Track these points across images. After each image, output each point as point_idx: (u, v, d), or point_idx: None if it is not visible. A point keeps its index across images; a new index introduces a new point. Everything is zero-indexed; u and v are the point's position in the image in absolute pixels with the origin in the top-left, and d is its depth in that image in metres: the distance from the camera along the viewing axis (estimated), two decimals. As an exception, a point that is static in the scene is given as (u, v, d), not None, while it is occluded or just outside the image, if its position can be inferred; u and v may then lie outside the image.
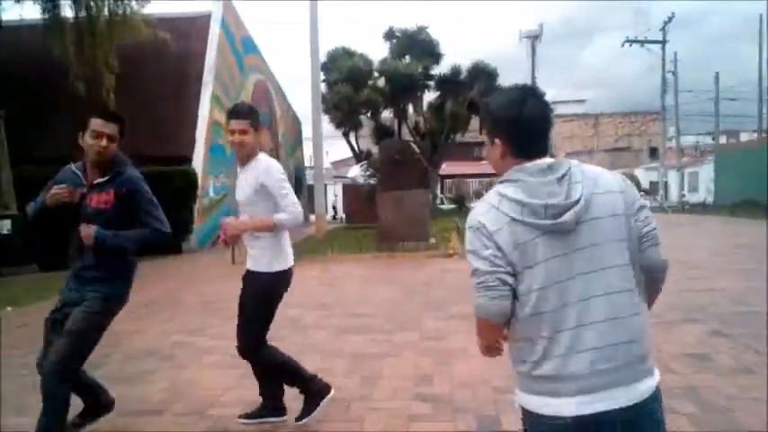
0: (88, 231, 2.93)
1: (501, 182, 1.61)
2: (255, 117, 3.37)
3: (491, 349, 1.70)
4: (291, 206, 3.26)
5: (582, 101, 65.52)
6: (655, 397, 1.57)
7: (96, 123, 2.98)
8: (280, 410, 3.52)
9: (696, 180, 39.89)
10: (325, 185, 23.06)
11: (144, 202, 3.10)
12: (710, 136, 42.07)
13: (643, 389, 1.54)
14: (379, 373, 4.43)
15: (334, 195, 36.97)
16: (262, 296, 3.38)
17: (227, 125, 3.33)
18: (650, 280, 1.68)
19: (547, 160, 1.59)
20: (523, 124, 1.60)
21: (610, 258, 1.53)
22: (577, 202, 1.51)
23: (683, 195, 37.42)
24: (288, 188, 3.31)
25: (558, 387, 1.50)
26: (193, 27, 17.90)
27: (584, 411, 1.47)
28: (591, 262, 1.52)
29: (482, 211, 1.59)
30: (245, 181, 3.36)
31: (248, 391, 4.09)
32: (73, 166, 3.13)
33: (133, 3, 14.00)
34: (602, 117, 61.48)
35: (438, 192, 35.14)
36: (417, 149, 18.70)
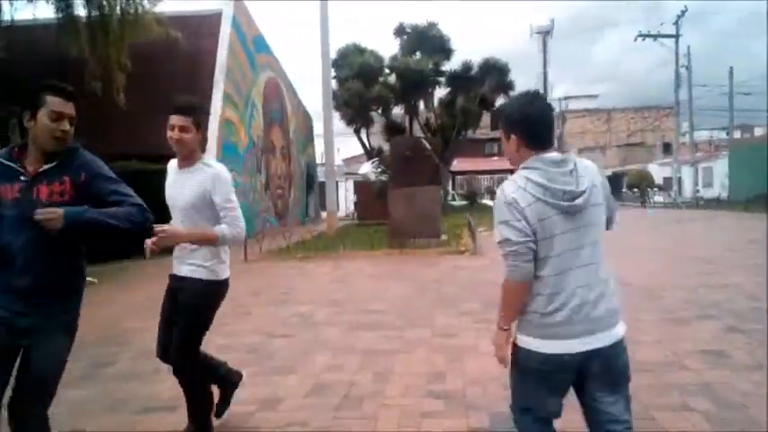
0: (52, 213, 2.21)
1: (525, 168, 2.02)
2: (199, 115, 3.05)
3: (504, 359, 2.15)
4: (236, 221, 3.03)
5: (594, 96, 65.11)
6: (623, 340, 2.08)
7: (55, 102, 2.35)
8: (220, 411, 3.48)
9: (710, 175, 39.49)
10: (337, 182, 23.09)
11: (111, 184, 2.46)
12: (725, 131, 41.65)
13: (619, 333, 2.05)
14: (391, 370, 4.42)
15: (345, 191, 37.00)
16: (204, 306, 3.13)
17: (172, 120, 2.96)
18: None
19: (558, 155, 2.01)
20: (533, 120, 2.06)
21: (595, 236, 2.04)
22: (585, 191, 1.99)
23: (698, 191, 37.05)
24: (235, 201, 3.07)
25: (561, 331, 1.98)
26: (204, 25, 17.97)
27: (581, 349, 1.97)
28: (588, 238, 2.01)
29: (512, 190, 2.00)
30: (186, 185, 3.02)
31: (262, 389, 4.11)
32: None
33: (145, 2, 14.06)
34: (615, 112, 61.04)
35: (449, 188, 35.06)
36: (428, 146, 18.64)
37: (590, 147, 59.80)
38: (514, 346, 2.12)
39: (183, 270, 3.09)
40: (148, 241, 2.90)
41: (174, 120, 2.96)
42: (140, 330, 6.01)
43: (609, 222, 2.18)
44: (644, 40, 37.44)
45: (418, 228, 12.94)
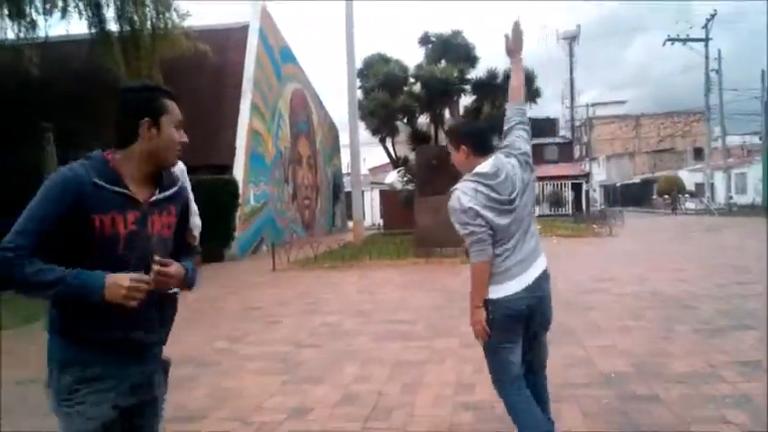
0: (173, 270, 1.81)
1: (473, 180, 2.64)
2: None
3: (482, 331, 2.72)
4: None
5: (622, 102, 64.40)
6: (547, 274, 2.79)
7: (176, 109, 1.93)
8: None
9: (744, 181, 38.63)
10: (363, 192, 23.16)
11: (191, 213, 2.45)
12: (757, 135, 40.67)
13: (544, 265, 2.76)
14: (420, 381, 4.40)
15: (371, 201, 37.08)
16: None
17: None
18: None
19: (492, 167, 2.64)
20: (480, 132, 2.80)
21: (528, 221, 2.73)
22: (515, 193, 2.65)
23: (731, 197, 36.23)
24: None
25: (513, 273, 2.65)
26: (232, 38, 18.25)
27: (528, 281, 2.66)
28: (524, 223, 2.70)
29: (467, 200, 2.61)
30: None
31: (291, 398, 4.13)
32: (94, 177, 1.78)
33: (174, 16, 14.37)
34: (644, 118, 60.19)
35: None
36: (454, 154, 18.60)
37: (618, 153, 59.05)
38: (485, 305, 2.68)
39: None
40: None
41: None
42: (173, 340, 6.07)
43: None
44: (673, 44, 36.92)
45: (445, 237, 12.85)
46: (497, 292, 2.65)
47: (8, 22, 12.68)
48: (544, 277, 2.73)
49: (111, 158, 1.84)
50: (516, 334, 2.73)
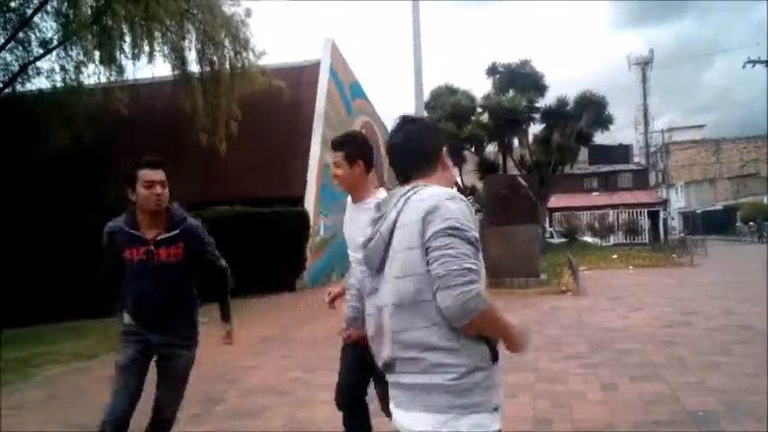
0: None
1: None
2: (354, 147, 2.91)
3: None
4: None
5: (700, 126, 61.84)
6: None
7: (145, 173, 2.92)
8: None
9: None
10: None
11: (208, 246, 3.16)
12: None
13: None
14: (494, 415, 4.31)
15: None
16: None
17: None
18: None
19: (379, 197, 1.80)
20: (391, 152, 1.80)
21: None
22: (371, 239, 1.67)
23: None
24: None
25: None
26: (304, 75, 18.87)
27: None
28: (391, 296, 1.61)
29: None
30: (360, 219, 2.80)
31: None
32: (121, 225, 3.03)
33: (251, 55, 15.08)
34: (724, 143, 57.54)
35: (547, 225, 34.17)
36: (524, 183, 18.36)
37: (698, 179, 56.56)
38: None
39: None
40: (329, 296, 3.32)
41: (332, 156, 2.97)
42: (249, 369, 6.24)
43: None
44: (753, 66, 35.33)
45: (515, 267, 12.66)
46: None
47: (101, 67, 13.66)
48: None
49: (130, 216, 3.03)
50: None
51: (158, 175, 2.95)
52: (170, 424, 3.17)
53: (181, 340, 3.14)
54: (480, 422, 1.52)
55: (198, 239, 3.10)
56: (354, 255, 2.93)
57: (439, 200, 1.56)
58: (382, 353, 1.67)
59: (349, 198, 3.09)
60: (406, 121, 1.81)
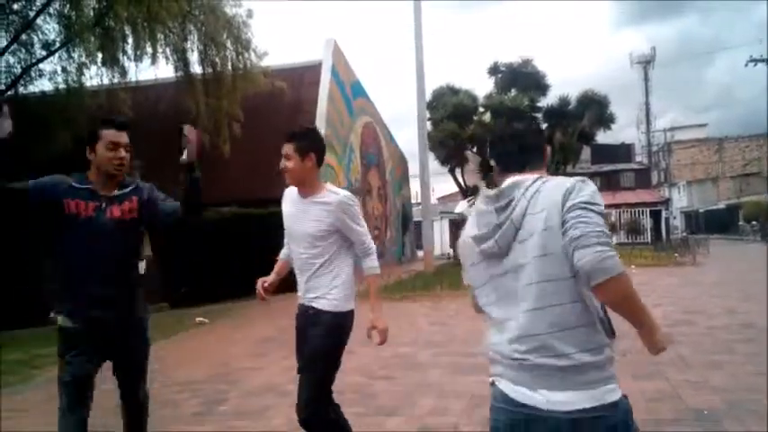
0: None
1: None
2: (307, 140, 2.93)
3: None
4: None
5: (703, 125, 61.74)
6: None
7: (110, 134, 2.71)
8: None
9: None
10: (432, 222, 23.17)
11: (163, 197, 2.94)
12: None
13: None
14: (496, 415, 4.31)
15: (441, 230, 37.00)
16: (340, 341, 3.00)
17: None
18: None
19: (501, 186, 1.72)
20: (502, 143, 1.87)
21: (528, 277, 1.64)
22: (500, 226, 1.67)
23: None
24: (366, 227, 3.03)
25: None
26: (306, 75, 18.90)
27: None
28: (524, 277, 1.64)
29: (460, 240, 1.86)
30: (309, 214, 2.90)
31: (368, 429, 4.13)
32: (71, 181, 2.73)
33: (253, 56, 15.11)
34: (727, 141, 57.42)
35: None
36: (526, 183, 18.36)
37: (700, 178, 56.48)
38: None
39: (321, 303, 2.92)
40: (262, 285, 3.11)
41: (283, 148, 2.92)
42: (250, 369, 6.25)
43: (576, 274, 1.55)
44: (756, 65, 35.28)
45: (518, 267, 12.66)
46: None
47: (103, 69, 13.69)
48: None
49: (87, 174, 2.77)
50: None
51: (124, 137, 2.74)
52: (146, 401, 3.05)
53: (135, 328, 2.90)
54: (616, 390, 1.60)
55: (151, 192, 2.88)
56: (307, 251, 2.91)
57: (573, 183, 1.63)
58: (516, 333, 1.66)
59: (289, 192, 3.05)
60: (515, 116, 2.06)
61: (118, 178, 2.77)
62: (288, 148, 2.86)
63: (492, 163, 1.90)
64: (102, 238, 2.69)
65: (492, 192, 1.73)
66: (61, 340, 2.78)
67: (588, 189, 1.61)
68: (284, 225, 3.05)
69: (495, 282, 1.72)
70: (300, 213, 2.90)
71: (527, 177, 1.71)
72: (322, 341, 2.89)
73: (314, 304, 2.91)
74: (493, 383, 1.78)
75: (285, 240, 3.19)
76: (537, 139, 1.90)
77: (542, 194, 1.64)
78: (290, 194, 3.03)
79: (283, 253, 3.23)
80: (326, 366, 2.94)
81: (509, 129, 1.90)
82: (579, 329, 1.59)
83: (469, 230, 1.78)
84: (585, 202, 1.56)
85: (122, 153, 2.73)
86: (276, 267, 3.22)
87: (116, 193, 2.76)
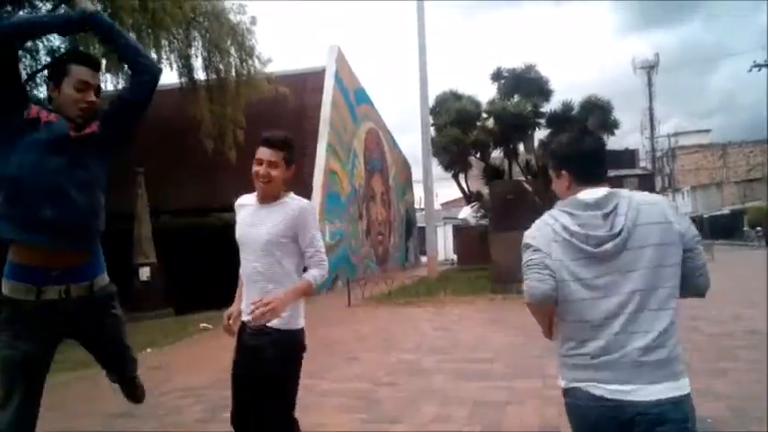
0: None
1: (558, 209, 1.96)
2: (290, 151, 2.76)
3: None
4: (325, 263, 2.78)
5: (706, 131, 61.63)
6: (679, 401, 1.93)
7: (81, 72, 2.31)
8: None
9: None
10: (435, 227, 23.18)
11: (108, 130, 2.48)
12: None
13: (672, 391, 1.91)
14: (500, 422, 4.31)
15: (444, 236, 36.97)
16: (301, 359, 2.76)
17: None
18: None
19: (595, 195, 1.90)
20: (584, 156, 2.01)
21: (640, 281, 1.83)
22: (617, 235, 1.83)
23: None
24: (321, 238, 2.84)
25: (597, 375, 1.88)
26: (309, 82, 18.97)
27: (611, 396, 1.86)
28: (631, 283, 1.83)
29: (535, 228, 2.00)
30: (268, 219, 2.72)
31: (370, 436, 4.14)
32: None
33: (257, 63, 15.15)
34: (731, 147, 57.28)
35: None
36: (530, 188, 18.34)
37: (704, 184, 56.32)
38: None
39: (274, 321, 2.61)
40: (228, 320, 2.70)
41: (265, 154, 2.67)
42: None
43: (685, 285, 1.91)
44: (759, 70, 35.26)
45: (522, 273, 12.63)
46: (567, 384, 1.99)
47: (108, 75, 13.74)
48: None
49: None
50: None
51: (95, 78, 2.34)
52: (134, 365, 2.81)
53: (101, 297, 2.47)
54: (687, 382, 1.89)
55: (110, 105, 2.50)
56: (260, 260, 2.67)
57: (669, 204, 1.96)
58: (619, 332, 1.83)
59: (246, 200, 2.84)
60: (587, 131, 2.25)
61: (78, 123, 2.33)
62: (275, 156, 2.65)
63: (563, 173, 2.01)
64: (56, 153, 2.26)
65: (590, 199, 1.90)
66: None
67: (690, 222, 1.96)
68: (237, 235, 2.80)
69: (595, 281, 1.85)
70: (258, 220, 2.71)
71: (616, 190, 1.94)
72: (285, 365, 2.66)
73: (267, 322, 2.61)
74: (573, 389, 1.93)
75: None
76: (605, 155, 2.09)
77: (644, 208, 1.87)
78: (247, 202, 2.83)
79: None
80: (294, 389, 2.71)
81: (588, 144, 2.04)
82: (672, 330, 1.86)
83: (570, 229, 1.88)
84: (697, 236, 1.93)
85: (92, 96, 2.31)
86: (239, 291, 2.88)
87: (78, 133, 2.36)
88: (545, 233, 1.93)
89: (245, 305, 2.69)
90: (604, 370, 1.83)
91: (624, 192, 1.93)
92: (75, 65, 2.29)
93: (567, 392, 1.97)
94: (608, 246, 1.83)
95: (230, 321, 2.71)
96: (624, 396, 1.80)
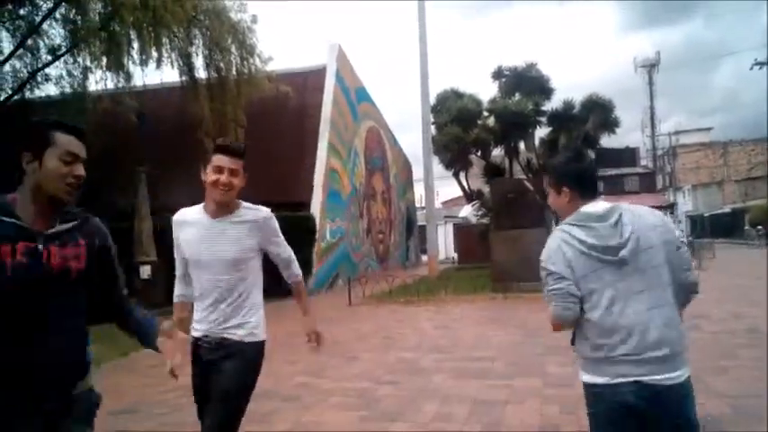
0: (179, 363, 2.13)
1: (569, 223, 2.14)
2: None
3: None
4: (297, 265, 2.90)
5: (707, 129, 61.56)
6: (683, 385, 2.12)
7: (70, 142, 1.89)
8: None
9: None
10: (436, 226, 23.18)
11: (116, 265, 2.10)
12: None
13: (678, 376, 2.09)
14: (500, 421, 4.31)
15: (445, 235, 36.97)
16: (258, 371, 2.70)
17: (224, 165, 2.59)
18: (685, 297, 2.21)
19: (600, 208, 2.12)
20: (584, 174, 2.21)
21: (650, 281, 2.05)
22: (627, 241, 2.04)
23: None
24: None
25: (615, 369, 2.06)
26: (310, 80, 18.95)
27: (627, 381, 2.06)
28: (642, 283, 2.04)
29: (555, 245, 2.13)
30: (228, 235, 2.61)
31: (370, 435, 4.14)
32: None
33: (258, 61, 15.14)
34: (732, 145, 57.23)
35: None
36: (531, 186, 18.32)
37: (705, 182, 56.30)
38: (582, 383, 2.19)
39: (238, 332, 2.60)
40: (174, 365, 2.23)
41: (225, 162, 2.57)
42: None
43: (681, 288, 2.14)
44: (761, 68, 35.20)
45: (523, 271, 12.63)
46: (588, 379, 2.15)
47: (108, 74, 13.75)
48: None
49: (10, 197, 1.85)
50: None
51: (83, 150, 1.93)
52: None
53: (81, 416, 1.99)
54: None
55: (107, 245, 2.04)
56: (225, 276, 2.58)
57: (658, 213, 2.21)
58: (642, 329, 2.02)
59: (188, 213, 2.70)
60: (581, 151, 2.42)
61: (63, 206, 1.90)
62: (235, 164, 2.57)
63: (564, 189, 2.20)
64: (40, 297, 1.79)
65: (598, 212, 2.11)
66: None
67: (674, 226, 2.26)
68: (183, 253, 2.67)
69: (614, 285, 2.04)
70: (214, 236, 2.57)
71: (616, 203, 2.17)
72: (245, 376, 2.58)
73: (229, 335, 2.58)
74: (616, 384, 2.04)
75: (178, 273, 2.79)
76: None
77: (642, 216, 2.11)
78: (192, 217, 2.66)
79: (181, 293, 2.81)
80: (246, 400, 2.61)
81: (586, 163, 2.27)
82: (677, 321, 2.08)
83: (587, 242, 2.06)
84: (682, 237, 2.18)
85: (82, 170, 1.90)
86: (178, 315, 2.77)
87: (56, 229, 1.86)
88: (563, 253, 2.09)
89: (200, 319, 2.64)
90: (642, 364, 2.01)
91: (623, 204, 2.17)
92: (61, 133, 1.89)
93: (605, 388, 2.06)
94: (623, 252, 2.04)
95: (175, 368, 2.31)
96: (658, 382, 2.00)
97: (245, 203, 2.69)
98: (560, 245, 2.11)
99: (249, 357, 2.60)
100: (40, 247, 1.80)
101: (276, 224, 2.74)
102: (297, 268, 2.87)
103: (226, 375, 2.54)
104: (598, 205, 2.14)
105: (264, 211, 2.71)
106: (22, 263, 1.76)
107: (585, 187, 2.19)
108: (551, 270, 2.10)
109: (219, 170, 2.56)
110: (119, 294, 2.11)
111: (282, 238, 2.77)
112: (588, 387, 2.14)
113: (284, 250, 2.79)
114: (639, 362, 2.01)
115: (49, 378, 1.84)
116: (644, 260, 2.05)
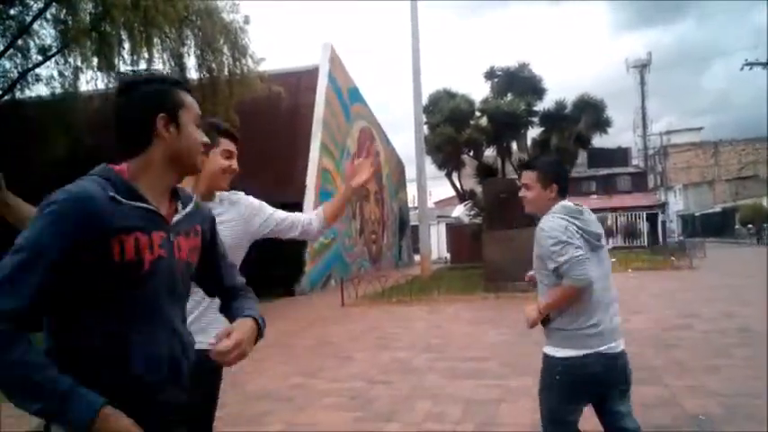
0: (234, 342, 1.42)
1: (565, 214, 2.45)
2: None
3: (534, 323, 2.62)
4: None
5: (698, 129, 61.91)
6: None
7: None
8: None
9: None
10: (429, 226, 23.20)
11: (224, 248, 1.74)
12: None
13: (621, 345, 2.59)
14: (493, 420, 4.32)
15: (437, 235, 37.01)
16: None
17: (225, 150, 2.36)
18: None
19: (572, 204, 2.52)
20: (566, 176, 2.67)
21: (609, 265, 2.61)
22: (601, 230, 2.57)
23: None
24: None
25: (593, 341, 2.45)
26: (302, 80, 18.92)
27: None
28: (606, 267, 2.57)
29: (564, 225, 2.41)
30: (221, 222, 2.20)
31: (364, 435, 4.13)
32: (107, 190, 1.36)
33: (250, 62, 15.09)
34: (722, 145, 57.60)
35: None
36: (523, 187, 18.35)
37: (696, 182, 56.63)
38: (550, 358, 2.49)
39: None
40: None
41: (232, 146, 2.42)
42: (248, 374, 6.23)
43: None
44: (751, 68, 35.42)
45: (515, 271, 12.62)
46: (569, 354, 2.43)
47: (99, 74, 13.67)
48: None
49: (122, 171, 1.44)
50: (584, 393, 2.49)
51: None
52: None
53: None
54: None
55: (214, 228, 1.68)
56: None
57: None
58: (614, 306, 2.52)
59: None
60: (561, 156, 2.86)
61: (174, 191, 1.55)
62: (234, 148, 2.43)
63: (553, 185, 2.53)
64: (169, 298, 1.45)
65: (574, 206, 2.49)
66: None
67: None
68: None
69: (597, 266, 2.44)
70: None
71: (577, 203, 2.54)
72: (216, 390, 2.38)
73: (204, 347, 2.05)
74: (586, 355, 2.38)
75: None
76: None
77: (592, 216, 2.54)
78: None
79: None
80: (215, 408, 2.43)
81: (566, 167, 2.75)
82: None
83: (584, 229, 2.45)
84: None
85: (206, 138, 1.60)
86: None
87: (181, 214, 1.50)
88: (572, 231, 2.40)
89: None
90: (606, 336, 2.41)
91: (578, 204, 2.55)
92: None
93: (576, 359, 2.37)
94: (603, 240, 2.54)
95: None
96: (614, 351, 2.43)
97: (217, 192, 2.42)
98: (567, 225, 2.40)
99: (219, 369, 2.32)
100: (172, 237, 1.44)
101: (253, 198, 2.58)
102: (303, 214, 2.71)
103: (203, 393, 2.24)
104: (570, 202, 2.52)
105: (239, 193, 2.54)
106: (162, 257, 1.39)
107: (566, 186, 2.60)
108: (568, 241, 2.35)
109: (230, 155, 2.38)
110: (224, 275, 1.71)
111: (265, 203, 2.61)
112: (559, 360, 2.42)
113: (275, 214, 2.61)
114: (604, 334, 2.40)
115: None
116: (604, 248, 2.56)
